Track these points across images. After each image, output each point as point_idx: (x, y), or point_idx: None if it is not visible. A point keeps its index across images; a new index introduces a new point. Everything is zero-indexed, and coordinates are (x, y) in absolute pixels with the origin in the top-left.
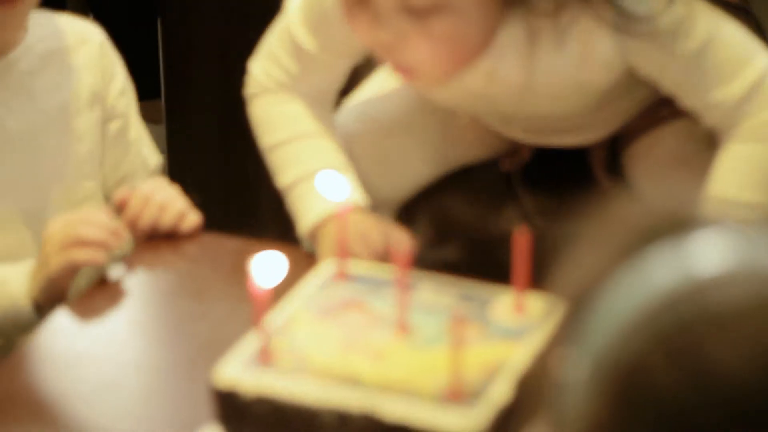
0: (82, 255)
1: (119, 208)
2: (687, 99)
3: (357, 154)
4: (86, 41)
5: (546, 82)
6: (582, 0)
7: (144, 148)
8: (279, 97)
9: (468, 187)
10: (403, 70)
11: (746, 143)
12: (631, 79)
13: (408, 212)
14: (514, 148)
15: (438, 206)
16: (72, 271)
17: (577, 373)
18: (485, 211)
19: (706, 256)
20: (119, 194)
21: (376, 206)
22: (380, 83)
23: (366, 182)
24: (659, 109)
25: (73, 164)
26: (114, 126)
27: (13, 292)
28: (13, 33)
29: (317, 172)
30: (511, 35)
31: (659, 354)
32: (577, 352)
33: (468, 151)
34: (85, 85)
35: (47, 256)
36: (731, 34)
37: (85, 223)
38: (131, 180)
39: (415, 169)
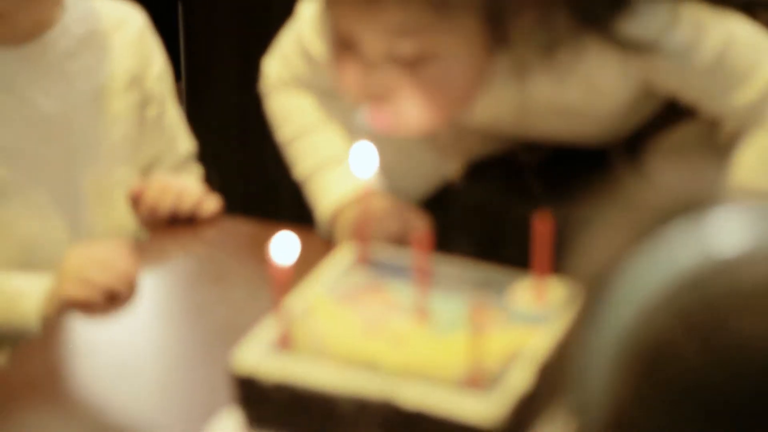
0: (81, 296)
1: (134, 201)
2: (708, 107)
3: (380, 149)
4: (125, 24)
5: (543, 114)
6: (578, 36)
7: (179, 134)
8: (293, 92)
9: (487, 175)
10: (390, 123)
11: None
12: (646, 94)
13: (428, 199)
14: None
15: (457, 194)
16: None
17: (600, 353)
18: (504, 198)
19: (728, 235)
20: (133, 187)
21: (405, 189)
22: None
23: (390, 178)
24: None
25: (107, 148)
26: (151, 111)
27: (26, 310)
28: (49, 10)
29: (333, 159)
30: (500, 74)
31: (684, 331)
32: (599, 333)
33: (486, 145)
34: (123, 69)
35: (60, 283)
36: (744, 35)
37: (99, 265)
38: (164, 164)
39: (436, 165)
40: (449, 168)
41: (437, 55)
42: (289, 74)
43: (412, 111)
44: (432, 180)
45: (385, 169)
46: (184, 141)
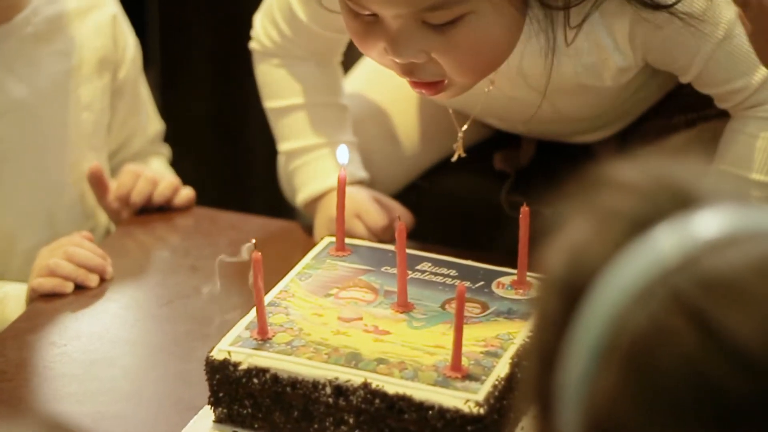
0: (48, 286)
1: (98, 186)
2: (707, 86)
3: (363, 131)
4: (96, 7)
5: (567, 75)
6: None
7: (149, 116)
8: (286, 60)
9: (468, 167)
10: (428, 86)
11: (755, 121)
12: (649, 70)
13: (409, 192)
14: (513, 148)
15: (437, 184)
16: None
17: (584, 342)
18: (486, 189)
19: (712, 218)
20: (92, 168)
21: (378, 184)
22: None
23: (371, 161)
24: (673, 116)
25: (78, 134)
26: (123, 95)
27: (8, 315)
28: None
29: (320, 144)
30: (532, 32)
31: (679, 313)
32: (584, 321)
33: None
34: (93, 52)
35: (32, 278)
36: None
37: (66, 256)
38: (133, 146)
39: (419, 149)
40: (432, 153)
41: (469, 15)
42: (273, 34)
43: (450, 75)
44: (415, 165)
45: (369, 150)
46: (153, 122)
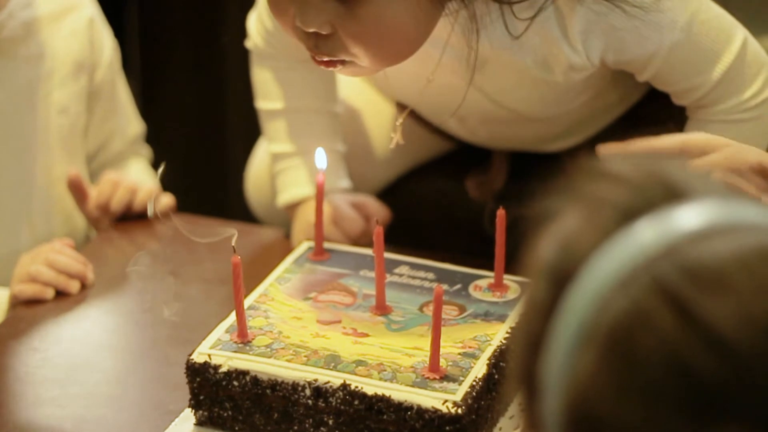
0: (29, 292)
1: (77, 193)
2: (665, 84)
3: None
4: (73, 10)
5: (497, 76)
6: None
7: (128, 117)
8: (279, 62)
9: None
10: (327, 63)
11: (718, 124)
12: (608, 76)
13: (387, 194)
14: (485, 172)
15: (416, 187)
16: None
17: (566, 331)
18: (464, 193)
19: (692, 211)
20: (71, 175)
21: (356, 189)
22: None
23: (351, 167)
24: (635, 132)
25: (53, 138)
26: (100, 98)
27: None
28: None
29: (302, 151)
30: (456, 26)
31: (660, 300)
32: (569, 308)
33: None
34: (69, 55)
35: (12, 285)
36: (711, 11)
37: (45, 262)
38: (113, 147)
39: (390, 158)
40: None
41: None
42: (259, 29)
43: (354, 53)
44: (388, 172)
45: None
46: (133, 123)
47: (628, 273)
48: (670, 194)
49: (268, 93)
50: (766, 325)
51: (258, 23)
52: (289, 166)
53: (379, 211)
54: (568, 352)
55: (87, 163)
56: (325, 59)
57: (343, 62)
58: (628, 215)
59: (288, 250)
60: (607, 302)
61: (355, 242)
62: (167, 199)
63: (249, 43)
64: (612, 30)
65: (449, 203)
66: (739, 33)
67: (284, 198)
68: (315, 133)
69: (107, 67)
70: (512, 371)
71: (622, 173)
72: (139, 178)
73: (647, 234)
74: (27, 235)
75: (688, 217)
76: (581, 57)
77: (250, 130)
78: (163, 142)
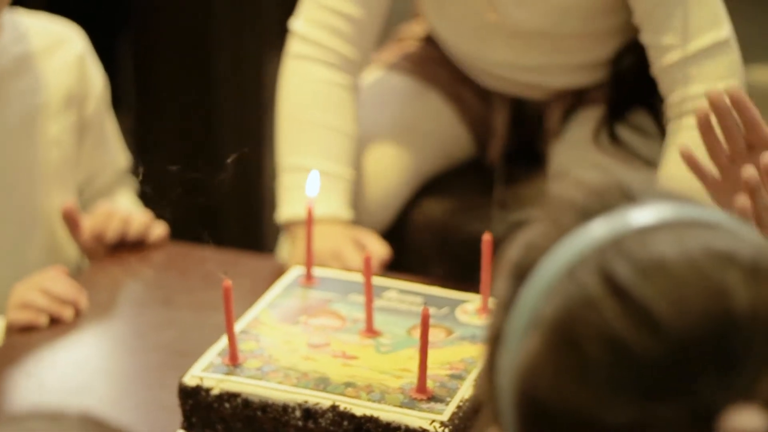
0: (24, 319)
1: (71, 224)
2: (650, 29)
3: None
4: (63, 44)
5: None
6: None
7: (115, 150)
8: (321, 73)
9: (454, 190)
10: None
11: (686, 118)
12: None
13: (400, 224)
14: (489, 134)
15: (426, 214)
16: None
17: (521, 317)
18: (471, 215)
19: (643, 210)
20: (66, 206)
21: (370, 216)
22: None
23: (362, 191)
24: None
25: (46, 170)
26: (90, 132)
27: None
28: None
29: (321, 170)
30: None
31: (604, 289)
32: (523, 298)
33: (447, 150)
34: (60, 90)
35: (6, 313)
36: None
37: (40, 290)
38: (100, 180)
39: (399, 177)
40: (414, 180)
41: None
42: (325, 17)
43: None
44: (398, 193)
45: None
46: (119, 156)
47: (577, 263)
48: (625, 198)
49: (298, 96)
50: (700, 310)
51: (325, 13)
52: (298, 182)
53: (379, 249)
54: (518, 340)
55: (78, 195)
56: None
57: None
58: (586, 215)
59: (278, 275)
60: (554, 289)
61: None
62: (160, 230)
63: (296, 46)
64: None
65: (448, 232)
66: (725, 26)
67: (288, 213)
68: (333, 154)
69: (97, 100)
70: (480, 372)
71: (586, 180)
72: (131, 209)
73: (599, 229)
74: (18, 266)
75: (638, 215)
76: None
77: (242, 161)
78: (156, 172)
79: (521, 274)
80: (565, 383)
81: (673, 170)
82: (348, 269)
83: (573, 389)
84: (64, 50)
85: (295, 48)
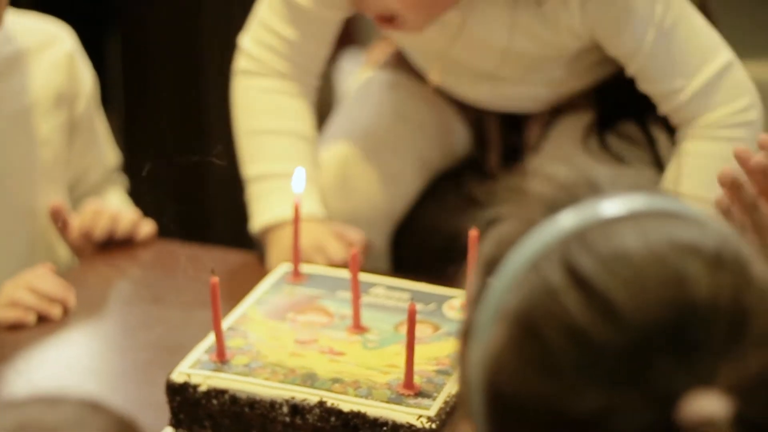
0: (12, 317)
1: (58, 222)
2: (649, 80)
3: (347, 174)
4: (52, 44)
5: (523, 43)
6: None
7: (105, 147)
8: (268, 83)
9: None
10: (384, 19)
11: (701, 141)
12: (598, 53)
13: (403, 231)
14: (485, 139)
15: (430, 220)
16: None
17: (488, 309)
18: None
19: (610, 203)
20: (53, 205)
21: (374, 223)
22: (353, 107)
23: (361, 201)
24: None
25: (37, 169)
26: (80, 131)
27: None
28: None
29: (285, 174)
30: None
31: (567, 281)
32: (490, 291)
33: (443, 150)
34: (50, 89)
35: None
36: (699, 25)
37: (27, 288)
38: (90, 178)
39: (398, 181)
40: (413, 183)
41: None
42: (271, 41)
43: (399, 7)
44: (399, 198)
45: (356, 191)
46: (109, 154)
47: (541, 255)
48: (593, 191)
49: (252, 111)
50: (660, 299)
51: (268, 34)
52: (266, 189)
53: (358, 238)
54: (485, 333)
55: (68, 193)
56: (378, 15)
57: (392, 20)
58: (554, 208)
59: (266, 272)
60: (519, 282)
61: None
62: (148, 228)
63: (244, 63)
64: (607, 6)
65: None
66: (724, 53)
67: (261, 221)
68: (295, 158)
69: (87, 99)
70: (454, 366)
71: (554, 174)
72: (120, 207)
73: (563, 222)
74: (8, 265)
75: (603, 208)
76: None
77: (231, 156)
78: (143, 172)
79: (490, 268)
80: (529, 375)
81: (688, 189)
82: (332, 262)
83: (537, 381)
84: (53, 49)
85: (241, 64)
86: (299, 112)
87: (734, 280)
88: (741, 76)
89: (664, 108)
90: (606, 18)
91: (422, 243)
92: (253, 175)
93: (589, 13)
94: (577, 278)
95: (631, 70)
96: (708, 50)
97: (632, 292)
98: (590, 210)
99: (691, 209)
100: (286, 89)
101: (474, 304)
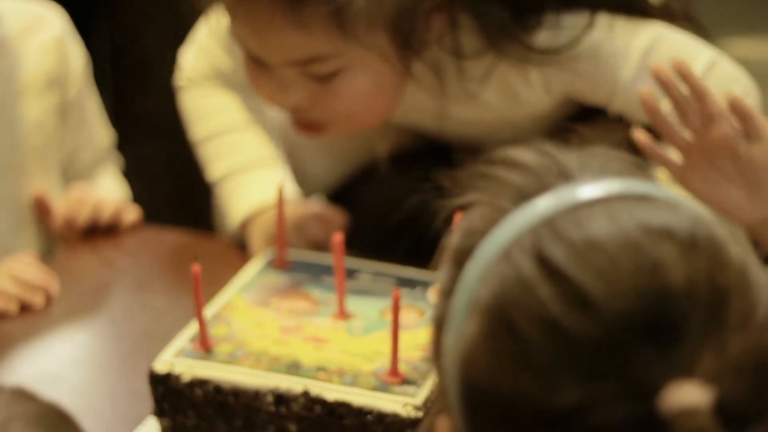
0: None
1: (42, 210)
2: (637, 116)
3: (292, 142)
4: (41, 25)
5: (464, 123)
6: (489, 49)
7: (98, 127)
8: (208, 90)
9: (406, 166)
10: (307, 128)
11: None
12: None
13: (346, 196)
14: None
15: (374, 188)
16: None
17: (461, 301)
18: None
19: (584, 191)
20: (37, 194)
21: (310, 193)
22: None
23: (302, 169)
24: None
25: (28, 154)
26: (72, 112)
27: None
28: None
29: (247, 165)
30: (421, 84)
31: (538, 269)
32: (462, 281)
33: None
34: (40, 71)
35: None
36: (669, 40)
37: (10, 277)
38: (83, 158)
39: (351, 152)
40: (365, 155)
41: (351, 68)
42: (209, 66)
43: (334, 120)
44: (347, 167)
45: (299, 160)
46: (102, 133)
47: (512, 245)
48: (562, 176)
49: (201, 119)
50: (634, 287)
51: (204, 62)
52: (235, 184)
53: (336, 216)
54: (458, 325)
55: (62, 176)
56: (304, 124)
57: (320, 127)
58: (525, 196)
59: (248, 259)
60: (491, 272)
61: (319, 248)
62: (132, 216)
63: (184, 81)
64: (570, 76)
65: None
66: (705, 54)
67: (239, 215)
68: (256, 147)
69: (78, 82)
70: (428, 357)
71: (521, 161)
72: (105, 192)
73: (533, 210)
74: (6, 251)
75: (573, 194)
76: (545, 100)
77: None
78: (134, 152)
79: (461, 258)
80: (504, 368)
81: None
82: (311, 241)
83: (513, 375)
84: (42, 31)
85: (182, 81)
86: (243, 104)
87: (709, 263)
88: (728, 69)
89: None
90: (574, 80)
91: (368, 217)
92: (220, 176)
93: (553, 82)
94: (549, 268)
95: (614, 110)
96: (687, 56)
97: (606, 282)
98: (560, 197)
99: (662, 191)
100: (223, 90)
101: (446, 294)
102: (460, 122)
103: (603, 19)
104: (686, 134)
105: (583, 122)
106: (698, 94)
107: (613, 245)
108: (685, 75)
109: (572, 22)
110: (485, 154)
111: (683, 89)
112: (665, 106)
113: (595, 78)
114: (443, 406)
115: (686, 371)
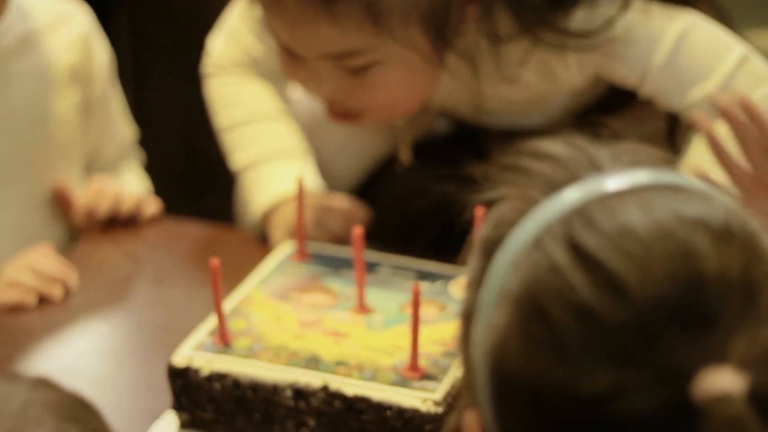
0: (13, 298)
1: (64, 202)
2: (666, 101)
3: (319, 135)
4: (67, 21)
5: (500, 101)
6: (528, 33)
7: (121, 122)
8: (237, 77)
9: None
10: (343, 116)
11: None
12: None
13: (368, 190)
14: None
15: (395, 182)
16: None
17: (491, 290)
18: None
19: (614, 182)
20: (57, 186)
21: (334, 187)
22: None
23: (327, 162)
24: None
25: (53, 148)
26: (95, 109)
27: None
28: None
29: (273, 155)
30: (455, 75)
31: (570, 257)
32: (492, 272)
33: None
34: (66, 66)
35: None
36: (703, 29)
37: (29, 269)
38: (106, 153)
39: (373, 151)
40: (385, 148)
41: (385, 60)
42: (241, 52)
43: (368, 110)
44: (369, 161)
45: (325, 153)
46: (125, 128)
47: (543, 234)
48: (593, 168)
49: (228, 106)
50: (667, 274)
51: (235, 48)
52: (259, 174)
53: (358, 210)
54: (488, 315)
55: (84, 171)
56: (341, 113)
57: (356, 116)
58: (554, 187)
59: (268, 251)
60: (521, 261)
61: (340, 242)
62: (152, 208)
63: (212, 68)
64: (602, 57)
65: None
66: (737, 49)
67: (261, 206)
68: (283, 138)
69: (103, 78)
70: (456, 348)
71: (551, 152)
72: (128, 186)
73: (565, 199)
74: (24, 243)
75: (605, 183)
76: (577, 74)
77: None
78: (155, 146)
79: (491, 249)
80: (536, 355)
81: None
82: (333, 235)
83: (545, 361)
84: (68, 28)
85: (210, 68)
86: (269, 95)
87: (743, 253)
88: (758, 65)
89: (688, 118)
90: (607, 60)
91: (390, 211)
92: (243, 166)
93: (587, 63)
94: (581, 255)
95: (644, 93)
96: (719, 52)
97: (639, 268)
98: (592, 186)
99: (695, 184)
100: (252, 78)
101: (475, 285)
102: (497, 101)
103: (638, 3)
104: (745, 164)
105: (615, 104)
106: (760, 125)
107: (647, 233)
108: (746, 106)
109: (607, 2)
110: (515, 145)
111: (743, 117)
112: (722, 130)
113: (628, 60)
114: (470, 402)
115: (720, 357)
